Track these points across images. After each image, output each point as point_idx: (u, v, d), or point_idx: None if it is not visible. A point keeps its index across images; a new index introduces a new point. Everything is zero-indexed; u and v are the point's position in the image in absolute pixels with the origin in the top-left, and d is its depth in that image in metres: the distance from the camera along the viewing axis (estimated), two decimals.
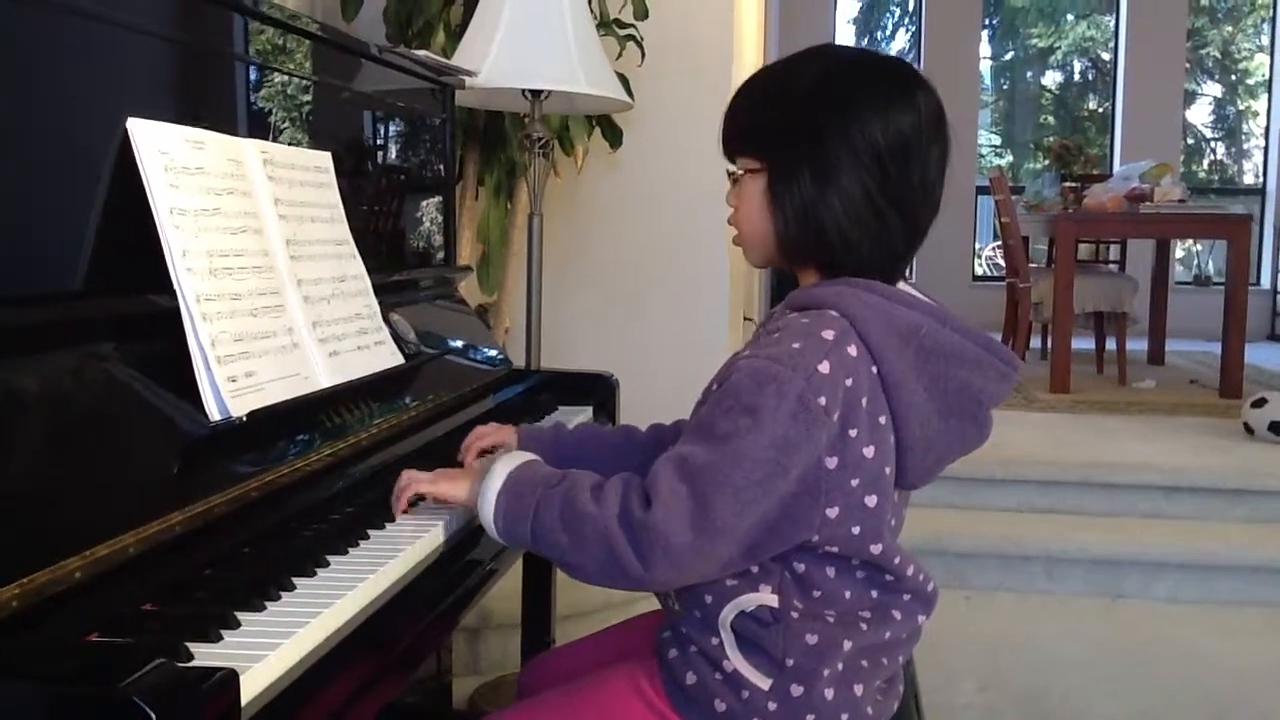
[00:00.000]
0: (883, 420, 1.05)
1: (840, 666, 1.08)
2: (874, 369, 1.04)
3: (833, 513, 1.04)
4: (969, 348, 1.08)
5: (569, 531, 1.02)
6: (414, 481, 1.18)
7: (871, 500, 1.06)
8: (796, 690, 1.06)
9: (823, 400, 1.00)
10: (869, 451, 1.04)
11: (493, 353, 1.91)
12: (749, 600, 1.07)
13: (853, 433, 1.03)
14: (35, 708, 0.67)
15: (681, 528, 0.98)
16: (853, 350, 1.03)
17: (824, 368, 1.01)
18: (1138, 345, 5.55)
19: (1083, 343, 5.34)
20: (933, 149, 1.09)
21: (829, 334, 1.03)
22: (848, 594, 1.09)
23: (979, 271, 9.36)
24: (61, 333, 0.98)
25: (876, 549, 1.07)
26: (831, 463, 1.02)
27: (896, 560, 1.10)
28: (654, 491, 1.00)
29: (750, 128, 1.14)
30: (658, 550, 0.98)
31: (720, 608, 1.08)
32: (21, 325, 0.94)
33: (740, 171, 1.13)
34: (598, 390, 1.96)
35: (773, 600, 1.07)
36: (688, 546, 0.98)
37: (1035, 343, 5.93)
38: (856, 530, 1.06)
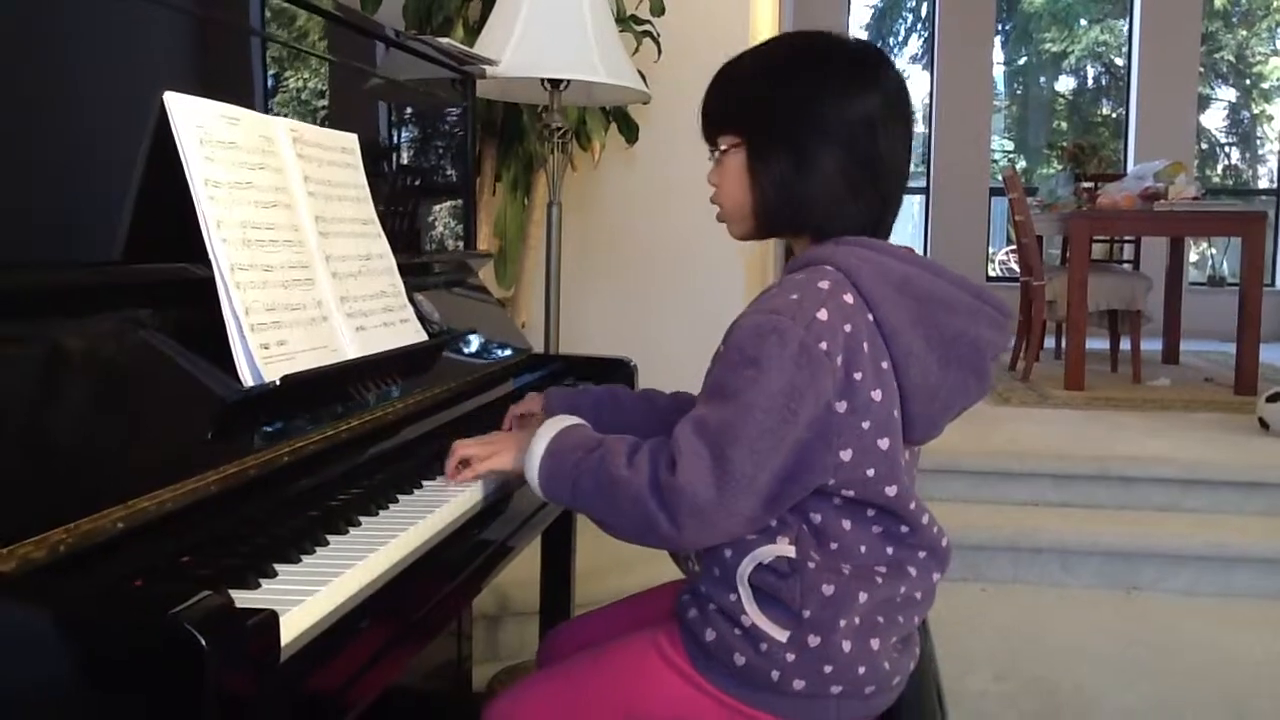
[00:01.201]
0: (885, 365, 1.09)
1: (857, 620, 1.11)
2: (870, 317, 1.09)
3: (846, 455, 1.07)
4: (962, 296, 1.12)
5: (604, 496, 1.08)
6: (463, 448, 1.24)
7: (884, 443, 1.09)
8: (814, 641, 1.09)
9: (824, 345, 1.04)
10: (876, 395, 1.08)
11: (514, 336, 1.93)
12: (767, 552, 1.10)
13: (858, 376, 1.06)
14: (89, 636, 0.70)
15: (705, 486, 1.03)
16: (849, 298, 1.08)
17: (822, 315, 1.05)
18: (1152, 345, 5.55)
19: (1097, 343, 5.34)
20: (897, 125, 1.16)
21: (824, 284, 1.08)
22: (863, 548, 1.12)
23: (993, 273, 9.36)
24: (102, 298, 1.02)
25: (892, 490, 1.10)
26: (841, 406, 1.06)
27: (912, 506, 1.13)
28: (677, 454, 1.05)
29: (728, 106, 1.20)
30: (685, 510, 1.03)
31: (739, 561, 1.11)
32: (67, 289, 0.98)
33: (723, 148, 1.18)
34: (617, 375, 1.98)
35: (790, 551, 1.10)
36: (713, 503, 1.03)
37: (1050, 342, 5.94)
38: (871, 473, 1.09)
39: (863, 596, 1.11)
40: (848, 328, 1.06)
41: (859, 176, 1.13)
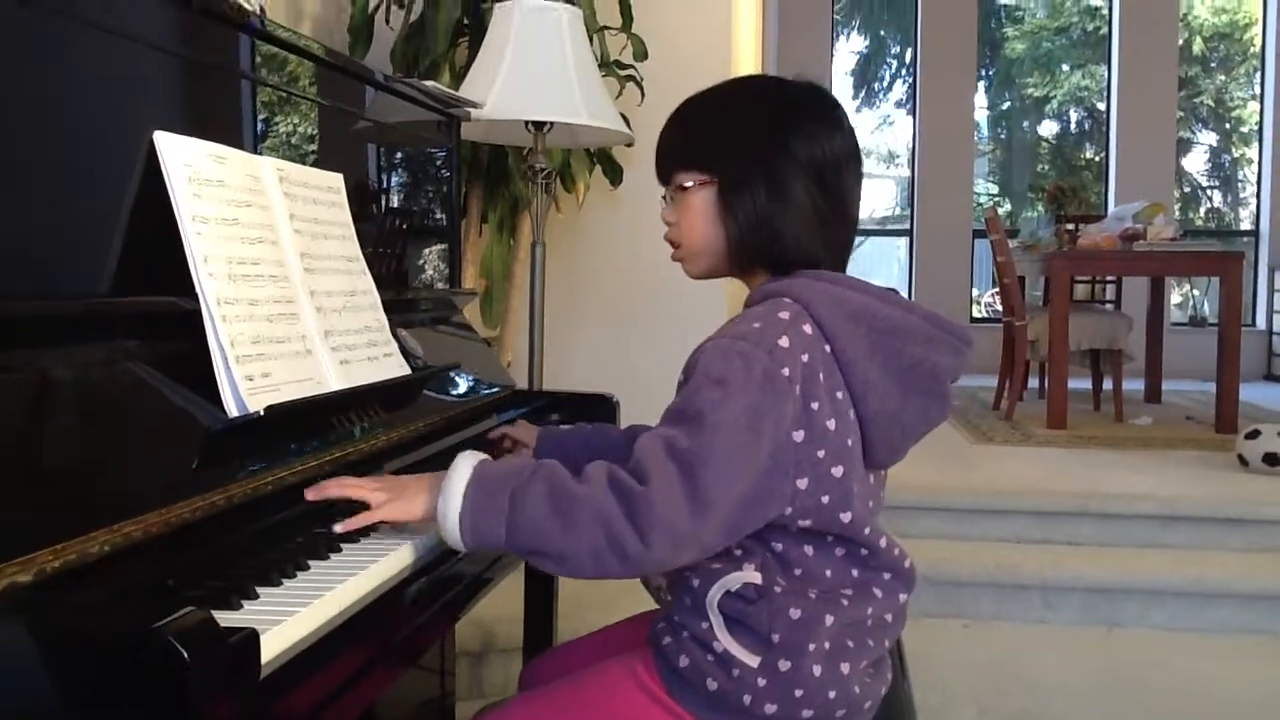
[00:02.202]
0: (840, 395, 1.12)
1: (826, 645, 1.13)
2: (827, 348, 1.12)
3: (802, 483, 1.10)
4: (919, 324, 1.15)
5: (559, 515, 1.02)
6: (354, 488, 1.12)
7: (838, 471, 1.12)
8: (784, 665, 1.11)
9: (785, 371, 1.07)
10: (831, 424, 1.11)
11: (497, 372, 1.96)
12: (734, 579, 1.13)
13: (815, 405, 1.10)
14: (73, 650, 0.72)
15: (678, 504, 1.02)
16: (807, 329, 1.11)
17: (784, 342, 1.09)
18: (1134, 385, 5.61)
19: (1080, 383, 5.40)
20: (855, 167, 1.21)
21: (784, 314, 1.12)
22: (828, 572, 1.15)
23: (976, 314, 9.44)
24: (92, 329, 1.05)
25: (846, 517, 1.13)
26: (799, 436, 1.09)
27: (867, 531, 1.15)
28: (644, 471, 1.03)
29: (694, 143, 1.23)
30: (657, 527, 1.01)
31: (707, 590, 1.14)
32: (59, 320, 1.01)
33: (688, 184, 1.21)
34: (600, 411, 2.01)
35: (756, 578, 1.13)
36: (686, 521, 1.02)
37: (1033, 382, 5.99)
38: (826, 500, 1.11)
39: (829, 619, 1.13)
40: (805, 357, 1.10)
41: (827, 212, 1.18)
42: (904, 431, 1.16)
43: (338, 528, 1.10)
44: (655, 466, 1.03)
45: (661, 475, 1.03)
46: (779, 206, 1.16)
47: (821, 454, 1.10)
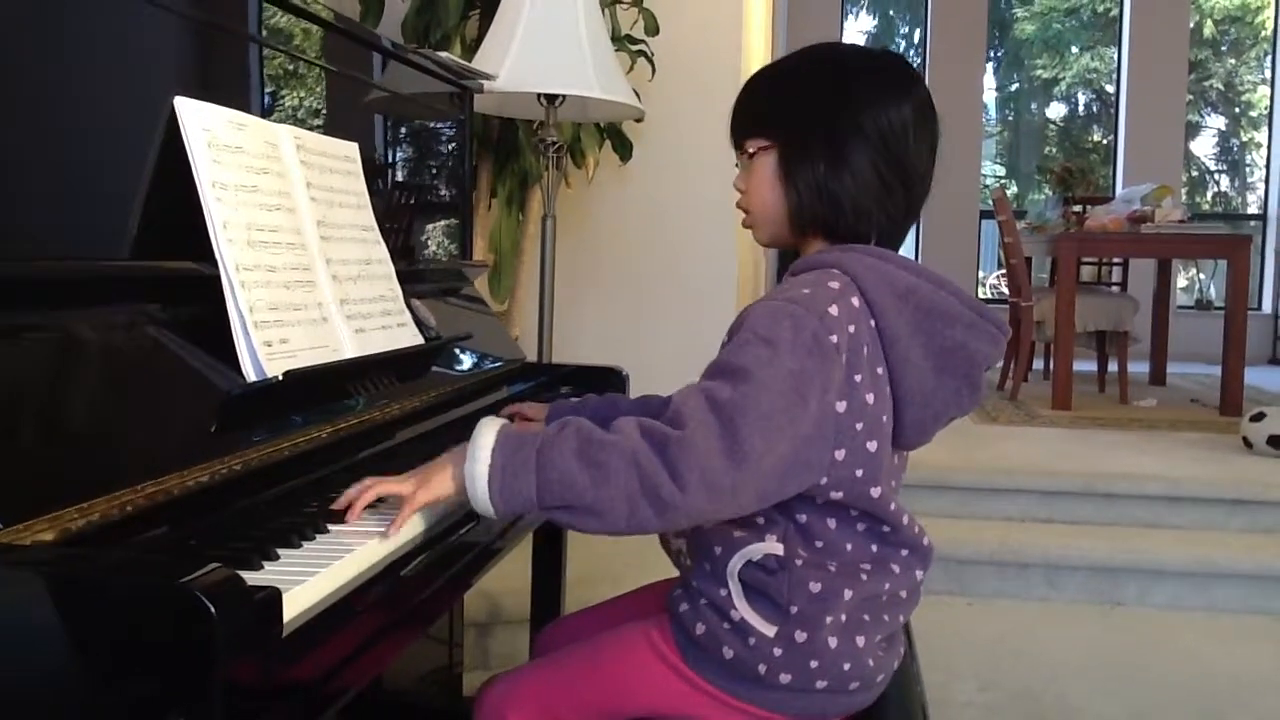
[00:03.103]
0: (880, 371, 1.12)
1: (843, 617, 1.14)
2: (872, 323, 1.12)
3: (840, 454, 1.10)
4: (962, 310, 1.15)
5: (590, 466, 0.98)
6: (382, 485, 1.08)
7: (873, 445, 1.12)
8: (800, 636, 1.12)
9: (834, 339, 1.06)
10: (870, 398, 1.11)
11: (507, 345, 1.97)
12: (756, 550, 1.13)
13: (857, 378, 1.09)
14: (101, 604, 0.73)
15: (714, 451, 0.99)
16: (855, 301, 1.11)
17: (833, 310, 1.08)
18: (1140, 367, 5.61)
19: (1085, 364, 5.39)
20: (925, 134, 1.19)
21: (834, 284, 1.11)
22: (849, 546, 1.15)
23: (983, 296, 9.43)
24: (114, 293, 1.05)
25: (875, 492, 1.13)
26: (841, 406, 1.09)
27: (892, 507, 1.16)
28: (681, 419, 1.01)
29: (763, 109, 1.23)
30: (695, 470, 0.97)
31: (729, 558, 1.14)
32: (82, 284, 1.02)
33: (752, 151, 1.21)
34: (609, 384, 2.02)
35: (778, 549, 1.13)
36: (722, 470, 0.98)
37: (1038, 363, 5.99)
38: (860, 474, 1.11)
39: (848, 593, 1.14)
40: (852, 329, 1.09)
41: (890, 180, 1.16)
42: (935, 414, 1.16)
43: (389, 531, 1.03)
44: (693, 414, 1.01)
45: (700, 423, 1.00)
46: (838, 173, 1.15)
47: (860, 426, 1.10)
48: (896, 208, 1.18)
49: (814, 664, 1.13)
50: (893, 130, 1.16)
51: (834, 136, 1.15)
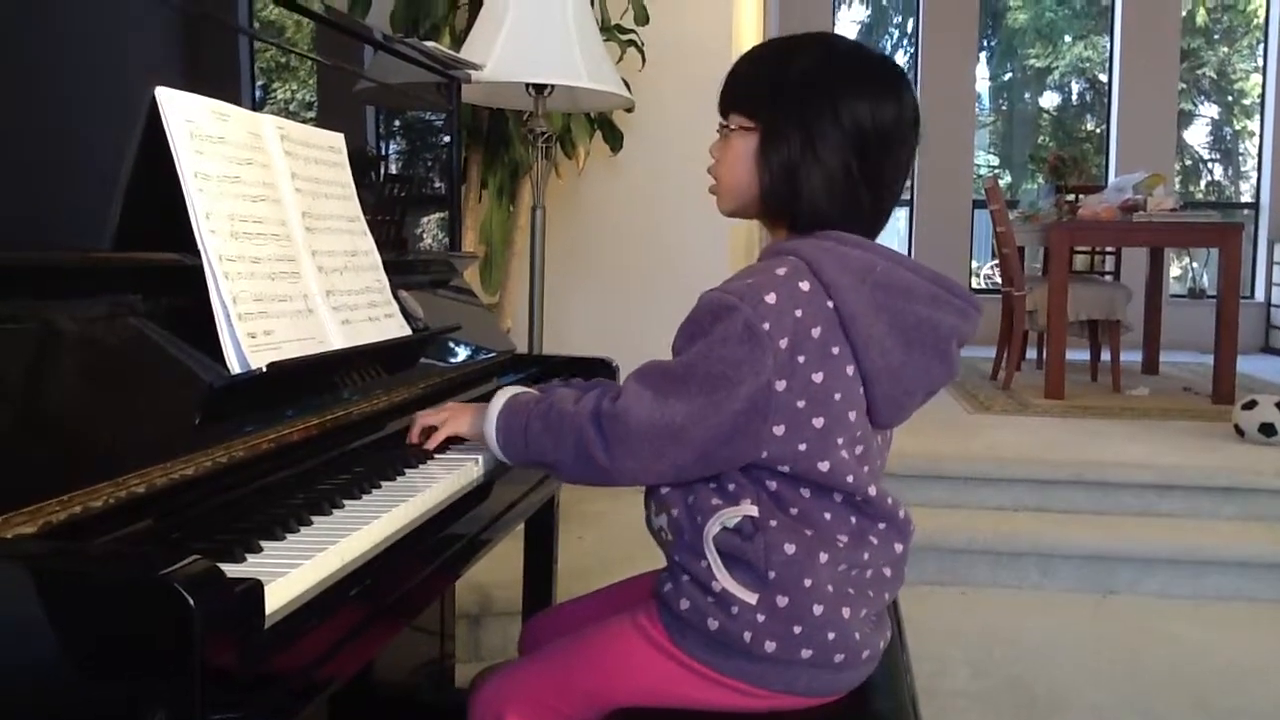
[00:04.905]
0: (835, 350, 1.14)
1: (828, 587, 1.15)
2: (829, 303, 1.13)
3: (779, 430, 1.13)
4: (924, 284, 1.17)
5: (551, 431, 1.18)
6: (424, 417, 1.37)
7: (819, 422, 1.14)
8: (782, 601, 1.14)
9: (767, 326, 1.10)
10: (817, 378, 1.13)
11: (497, 336, 1.97)
12: (731, 514, 1.16)
13: (801, 359, 1.12)
14: (81, 596, 0.73)
15: (640, 416, 1.12)
16: (805, 285, 1.13)
17: (770, 299, 1.11)
18: (1132, 356, 5.61)
19: (1078, 353, 5.40)
20: (907, 144, 1.21)
21: (781, 270, 1.14)
22: (827, 515, 1.17)
23: (976, 286, 9.43)
24: (96, 285, 1.05)
25: (824, 466, 1.15)
26: (780, 385, 1.12)
27: (850, 479, 1.17)
28: (619, 392, 1.15)
29: (749, 89, 1.24)
30: (619, 438, 1.13)
31: (705, 524, 1.17)
32: (63, 275, 1.01)
33: (732, 127, 1.23)
34: (599, 375, 2.01)
35: (753, 511, 1.15)
36: (644, 434, 1.12)
37: (1031, 352, 5.99)
38: (803, 448, 1.14)
39: (824, 556, 1.15)
40: (798, 313, 1.11)
41: (860, 180, 1.18)
42: (906, 390, 1.18)
43: (429, 444, 1.35)
44: (629, 389, 1.15)
45: (633, 394, 1.14)
46: (809, 166, 1.17)
47: (802, 404, 1.13)
48: (861, 211, 1.19)
49: (797, 629, 1.14)
50: (873, 131, 1.17)
51: (812, 128, 1.17)
